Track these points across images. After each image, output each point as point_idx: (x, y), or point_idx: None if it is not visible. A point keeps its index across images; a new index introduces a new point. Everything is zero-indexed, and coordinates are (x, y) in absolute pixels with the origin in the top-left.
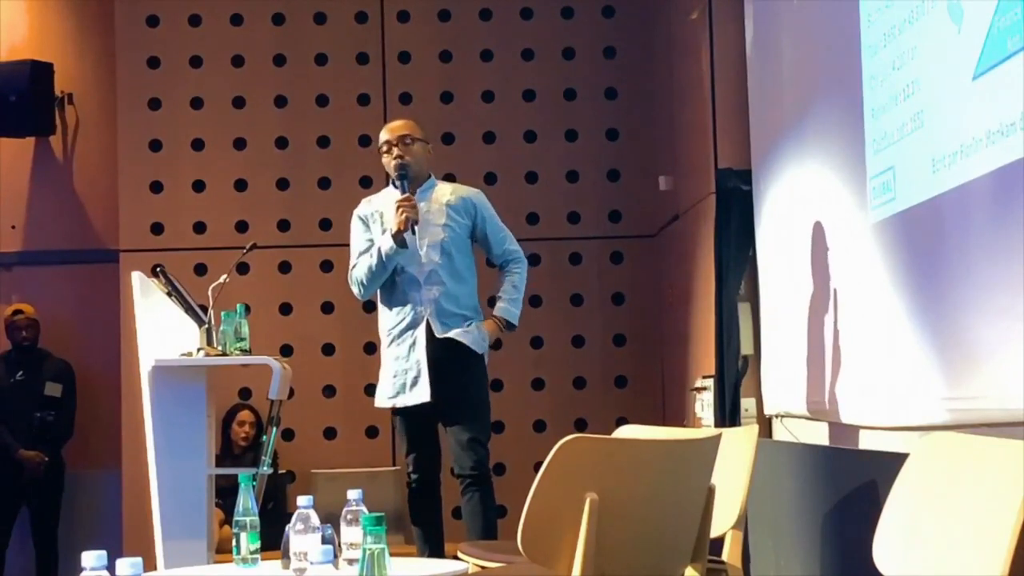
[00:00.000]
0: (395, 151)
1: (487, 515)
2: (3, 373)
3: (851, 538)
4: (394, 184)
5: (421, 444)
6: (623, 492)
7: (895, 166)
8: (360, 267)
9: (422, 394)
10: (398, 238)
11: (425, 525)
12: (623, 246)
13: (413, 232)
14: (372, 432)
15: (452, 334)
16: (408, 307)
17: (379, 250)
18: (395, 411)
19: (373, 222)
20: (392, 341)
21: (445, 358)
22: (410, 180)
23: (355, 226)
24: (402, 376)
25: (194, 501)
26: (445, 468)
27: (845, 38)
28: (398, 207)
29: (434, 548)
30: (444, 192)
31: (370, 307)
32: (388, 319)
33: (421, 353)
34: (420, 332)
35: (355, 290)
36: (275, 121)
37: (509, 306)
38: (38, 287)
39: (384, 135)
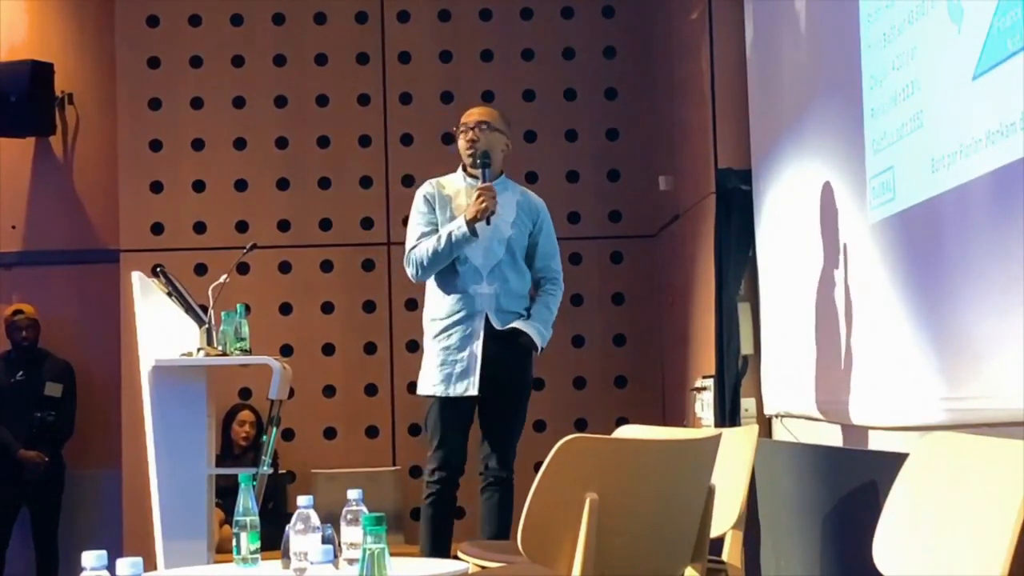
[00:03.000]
0: (469, 133)
1: (507, 515)
2: (3, 373)
3: (851, 538)
4: (473, 168)
5: (453, 440)
6: (623, 492)
7: (895, 166)
8: (422, 248)
9: (470, 387)
10: (471, 226)
11: (439, 527)
12: (623, 246)
13: (488, 223)
14: (372, 432)
15: (517, 324)
16: (467, 298)
17: (449, 235)
18: (436, 400)
19: (440, 206)
20: (444, 331)
21: (500, 353)
22: (491, 169)
23: (420, 205)
24: (450, 367)
25: (194, 501)
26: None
27: (845, 38)
28: (479, 195)
29: (442, 553)
30: (516, 190)
31: (370, 307)
32: (441, 308)
33: (477, 347)
34: (478, 325)
35: (411, 271)
36: (275, 121)
37: (543, 329)
38: (38, 287)
39: (465, 118)
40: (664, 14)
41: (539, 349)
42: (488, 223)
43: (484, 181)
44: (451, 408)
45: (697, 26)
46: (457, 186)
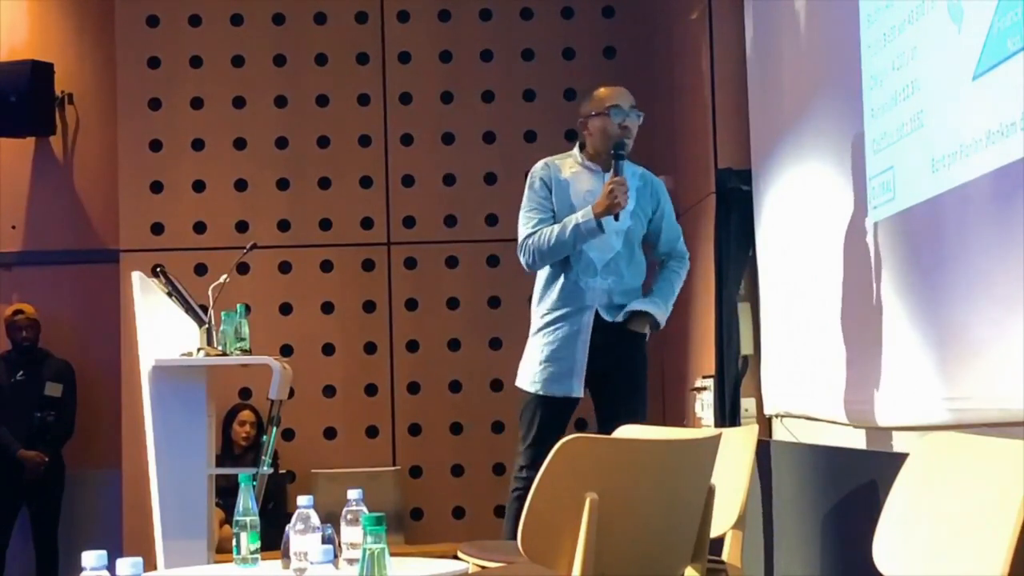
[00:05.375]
0: (626, 121)
1: None
2: (3, 373)
3: (851, 538)
4: (612, 155)
5: (547, 440)
6: (623, 492)
7: (895, 166)
8: (542, 237)
9: (573, 389)
10: (600, 220)
11: None
12: None
13: (616, 218)
14: (372, 432)
15: (636, 304)
16: (578, 292)
17: (576, 227)
18: (537, 399)
19: (558, 190)
20: (549, 324)
21: (609, 346)
22: (625, 159)
23: (537, 188)
24: (554, 364)
25: (194, 501)
26: None
27: (845, 38)
28: (611, 189)
29: None
30: (635, 174)
31: (370, 307)
32: (549, 300)
33: (584, 345)
34: (587, 321)
35: (526, 259)
36: (275, 121)
37: (665, 304)
38: (38, 287)
39: (613, 98)
40: (664, 14)
41: (659, 326)
42: (616, 219)
43: (617, 174)
44: (549, 408)
45: (697, 26)
46: (574, 169)
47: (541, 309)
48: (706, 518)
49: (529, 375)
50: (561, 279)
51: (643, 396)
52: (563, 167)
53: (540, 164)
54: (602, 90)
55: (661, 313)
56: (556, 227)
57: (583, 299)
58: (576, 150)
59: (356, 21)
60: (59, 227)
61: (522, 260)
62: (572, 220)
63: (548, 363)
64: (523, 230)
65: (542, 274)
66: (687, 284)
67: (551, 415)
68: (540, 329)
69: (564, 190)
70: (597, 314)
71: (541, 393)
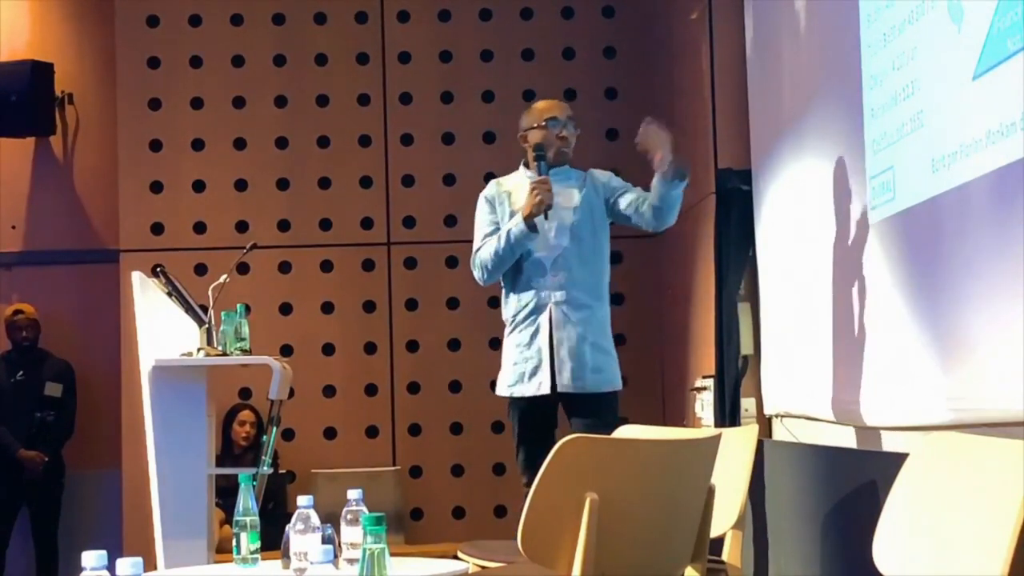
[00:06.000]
0: (564, 131)
1: None
2: (3, 373)
3: (851, 538)
4: (534, 162)
5: (534, 441)
6: (623, 492)
7: (895, 166)
8: (485, 250)
9: (542, 385)
10: (529, 222)
11: None
12: (623, 246)
13: (546, 216)
14: (372, 432)
15: (588, 385)
16: (532, 293)
17: (508, 233)
18: (512, 401)
19: (500, 204)
20: (514, 328)
21: (570, 340)
22: (548, 161)
23: (481, 208)
24: (522, 365)
25: (194, 501)
26: None
27: (845, 38)
28: (532, 189)
29: None
30: (578, 175)
31: (370, 307)
32: (511, 305)
33: (544, 342)
34: (543, 320)
35: (478, 274)
36: (275, 121)
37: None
38: (38, 287)
39: (551, 111)
40: (664, 14)
41: (683, 174)
42: (546, 217)
43: (540, 174)
44: (524, 408)
45: (697, 26)
46: (517, 181)
47: (505, 315)
48: (706, 518)
49: (502, 380)
50: (516, 283)
51: (604, 402)
52: (507, 183)
53: (488, 186)
54: (540, 103)
55: (678, 171)
56: (495, 238)
57: (538, 299)
58: (521, 165)
59: (356, 21)
60: (59, 227)
61: (475, 276)
62: (505, 227)
63: (516, 365)
64: (473, 248)
65: (502, 281)
66: (687, 284)
67: (528, 415)
68: (509, 334)
69: (505, 201)
70: (553, 314)
71: (514, 395)
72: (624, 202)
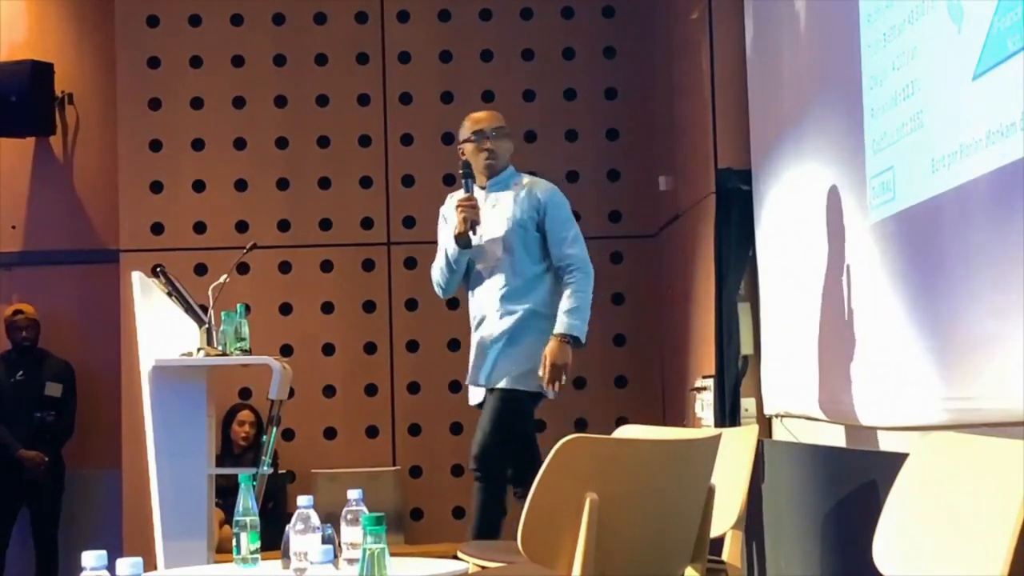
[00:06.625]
0: (487, 144)
1: (476, 513)
2: (3, 373)
3: (851, 538)
4: (461, 179)
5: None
6: (623, 492)
7: (895, 166)
8: (434, 267)
9: (470, 395)
10: (460, 239)
11: (485, 531)
12: (623, 246)
13: (474, 232)
14: (372, 432)
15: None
16: (476, 303)
17: (445, 251)
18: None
19: (448, 219)
20: (472, 331)
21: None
22: (473, 178)
23: (440, 223)
24: (470, 373)
25: (194, 501)
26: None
27: (845, 38)
28: (458, 207)
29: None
30: (519, 186)
31: (370, 307)
32: (469, 310)
33: (482, 349)
34: (483, 327)
35: (435, 289)
36: (275, 121)
37: (567, 318)
38: (38, 287)
39: (475, 125)
40: (664, 14)
41: (578, 340)
42: (474, 232)
43: (466, 191)
44: (479, 408)
45: (697, 26)
46: (461, 194)
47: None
48: (706, 518)
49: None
50: (470, 289)
51: (496, 404)
52: (456, 196)
53: (447, 199)
54: (472, 115)
55: (569, 327)
56: (440, 255)
57: (478, 307)
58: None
59: (356, 21)
60: (59, 227)
61: (436, 291)
62: (442, 247)
63: (471, 365)
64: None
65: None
66: (688, 283)
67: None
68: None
69: (452, 218)
70: (489, 322)
71: (472, 403)
72: (550, 250)
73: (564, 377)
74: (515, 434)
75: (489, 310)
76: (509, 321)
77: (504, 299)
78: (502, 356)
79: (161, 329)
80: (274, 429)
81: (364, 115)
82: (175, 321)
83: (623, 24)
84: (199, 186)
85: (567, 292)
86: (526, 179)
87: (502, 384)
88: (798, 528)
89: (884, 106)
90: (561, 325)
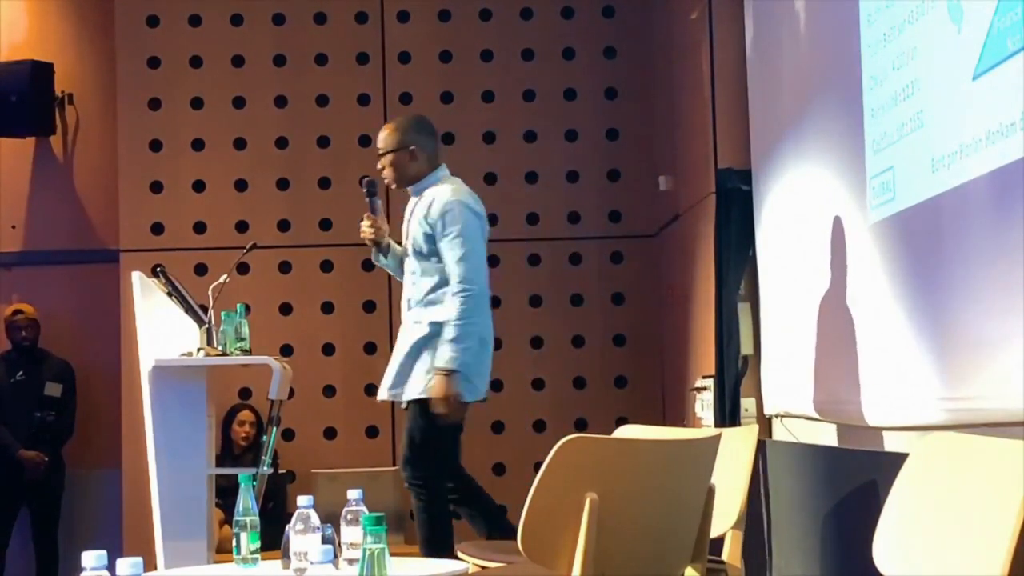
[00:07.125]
0: (379, 163)
1: (419, 521)
2: (3, 373)
3: (851, 538)
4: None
5: None
6: (623, 492)
7: (895, 166)
8: None
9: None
10: (375, 254)
11: (436, 534)
12: (623, 246)
13: (379, 248)
14: (372, 432)
15: (409, 395)
16: (403, 310)
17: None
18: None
19: None
20: None
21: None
22: (377, 196)
23: None
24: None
25: (194, 501)
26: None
27: (845, 38)
28: (361, 225)
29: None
30: (432, 194)
31: (370, 307)
32: None
33: (395, 356)
34: (399, 336)
35: None
36: (275, 121)
37: (445, 351)
38: (38, 287)
39: (377, 143)
40: (664, 14)
41: (449, 371)
42: (379, 249)
43: (371, 210)
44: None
45: (697, 26)
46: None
47: None
48: (706, 518)
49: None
50: None
51: (410, 416)
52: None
53: None
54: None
55: (441, 359)
56: None
57: (404, 311)
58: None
59: (356, 21)
60: (59, 227)
61: None
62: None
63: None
64: None
65: None
66: (688, 283)
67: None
68: None
69: None
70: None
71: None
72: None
73: (453, 407)
74: (433, 443)
75: (405, 320)
76: (417, 333)
77: (412, 311)
78: (411, 369)
79: (161, 329)
80: (274, 429)
81: (364, 115)
82: (175, 321)
83: (623, 24)
84: (199, 186)
85: (449, 318)
86: (433, 189)
87: (415, 396)
88: (798, 528)
89: (884, 106)
90: (440, 359)
